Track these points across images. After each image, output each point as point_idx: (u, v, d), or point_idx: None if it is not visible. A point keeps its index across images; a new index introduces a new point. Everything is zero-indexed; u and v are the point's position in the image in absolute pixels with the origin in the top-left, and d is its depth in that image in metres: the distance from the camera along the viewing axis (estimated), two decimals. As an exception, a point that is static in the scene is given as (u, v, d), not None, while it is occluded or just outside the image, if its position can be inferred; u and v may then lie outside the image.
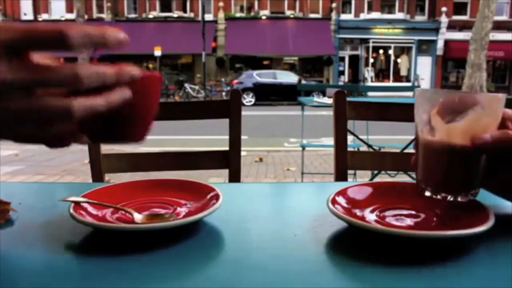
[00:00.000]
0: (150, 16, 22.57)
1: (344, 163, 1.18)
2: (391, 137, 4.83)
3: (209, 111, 1.23)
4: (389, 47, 22.91)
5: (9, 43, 0.35)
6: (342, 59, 22.81)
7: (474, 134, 0.48)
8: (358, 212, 0.54)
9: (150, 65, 21.73)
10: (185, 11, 22.51)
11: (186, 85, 18.03)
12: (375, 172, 3.33)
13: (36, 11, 22.77)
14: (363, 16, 22.18)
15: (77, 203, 0.54)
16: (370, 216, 0.53)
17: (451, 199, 0.50)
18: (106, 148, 1.16)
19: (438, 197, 0.51)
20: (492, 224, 0.46)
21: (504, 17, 21.65)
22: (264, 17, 22.15)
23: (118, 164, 1.18)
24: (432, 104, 0.50)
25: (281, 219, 0.59)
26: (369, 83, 21.86)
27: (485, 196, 0.53)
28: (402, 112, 1.14)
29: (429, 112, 0.50)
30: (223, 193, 0.57)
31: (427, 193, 0.52)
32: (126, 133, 0.46)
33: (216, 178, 3.59)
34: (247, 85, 16.69)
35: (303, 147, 3.71)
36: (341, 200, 0.56)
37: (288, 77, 17.31)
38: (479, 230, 0.45)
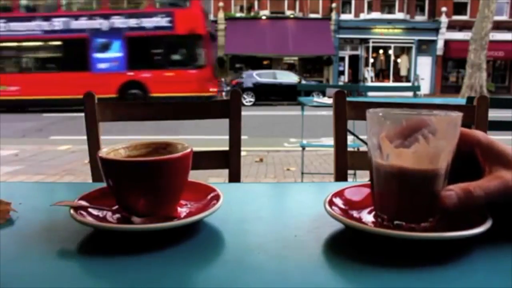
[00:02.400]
0: (150, 16, 22.50)
1: (344, 163, 1.18)
2: (391, 137, 4.81)
3: (209, 111, 1.23)
4: (389, 47, 22.92)
5: None
6: (342, 59, 22.82)
7: (444, 194, 0.47)
8: (355, 213, 0.53)
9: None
10: (185, 11, 22.45)
11: (186, 85, 17.99)
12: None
13: (36, 11, 22.70)
14: (363, 16, 22.19)
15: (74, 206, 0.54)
16: (368, 218, 0.53)
17: (409, 227, 0.48)
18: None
19: (396, 224, 0.49)
20: (490, 225, 0.46)
21: (504, 17, 21.65)
22: (264, 17, 22.15)
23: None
24: (381, 127, 0.48)
25: (281, 220, 0.59)
26: (369, 83, 21.85)
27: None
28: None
29: (378, 135, 0.48)
30: (223, 193, 0.57)
31: (385, 223, 0.49)
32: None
33: (216, 178, 3.59)
34: (247, 85, 16.69)
35: (303, 147, 3.71)
36: (338, 201, 0.55)
37: (288, 77, 17.31)
38: (476, 231, 0.45)
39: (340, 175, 1.19)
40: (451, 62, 22.95)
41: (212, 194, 0.59)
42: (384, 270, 0.42)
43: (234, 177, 1.21)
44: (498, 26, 18.79)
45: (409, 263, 0.43)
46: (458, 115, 0.47)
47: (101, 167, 0.53)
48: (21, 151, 5.77)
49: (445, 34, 21.90)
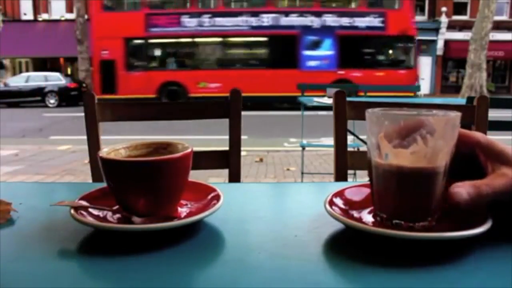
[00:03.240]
0: (150, 16, 22.51)
1: (344, 163, 1.18)
2: (391, 137, 4.81)
3: (209, 111, 1.23)
4: (390, 47, 22.88)
5: None
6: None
7: (451, 189, 0.47)
8: (355, 213, 0.53)
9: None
10: (185, 11, 22.45)
11: (186, 85, 17.99)
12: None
13: (36, 11, 22.77)
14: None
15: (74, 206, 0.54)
16: (368, 218, 0.53)
17: (408, 226, 0.48)
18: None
19: (395, 223, 0.49)
20: (490, 225, 0.46)
21: (504, 17, 21.64)
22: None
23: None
24: (379, 126, 0.48)
25: (281, 219, 0.59)
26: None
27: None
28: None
29: (377, 135, 0.48)
30: (223, 193, 0.57)
31: (385, 222, 0.50)
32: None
33: (216, 178, 3.59)
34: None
35: (303, 147, 3.71)
36: (338, 201, 0.55)
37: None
38: (476, 231, 0.45)
39: (340, 175, 1.19)
40: (451, 62, 22.94)
41: (212, 194, 0.59)
42: (384, 270, 0.42)
43: (234, 177, 1.21)
44: (498, 26, 18.80)
45: (409, 263, 0.43)
46: (456, 115, 0.47)
47: (102, 167, 0.53)
48: (21, 151, 5.77)
49: (445, 34, 21.88)
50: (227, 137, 1.20)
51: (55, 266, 0.44)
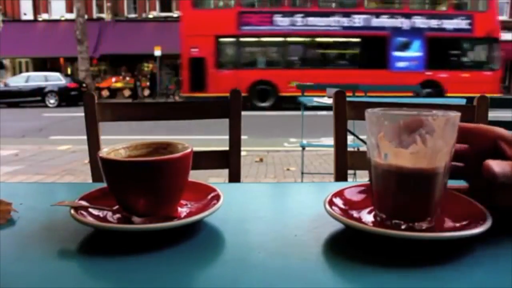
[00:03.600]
0: (150, 16, 22.57)
1: (344, 163, 1.19)
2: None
3: (209, 111, 1.23)
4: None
5: None
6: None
7: (486, 163, 0.48)
8: (355, 213, 0.53)
9: (150, 65, 21.74)
10: (185, 11, 22.47)
11: (187, 85, 17.99)
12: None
13: (36, 11, 22.77)
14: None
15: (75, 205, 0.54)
16: (368, 217, 0.53)
17: (407, 226, 0.48)
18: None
19: (394, 222, 0.49)
20: (490, 226, 0.46)
21: (504, 17, 21.59)
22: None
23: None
24: (379, 126, 0.48)
25: (281, 219, 0.59)
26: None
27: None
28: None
29: (377, 135, 0.48)
30: (223, 193, 0.57)
31: (384, 222, 0.50)
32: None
33: (216, 178, 3.59)
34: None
35: (303, 147, 3.71)
36: (338, 201, 0.55)
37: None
38: (476, 231, 0.45)
39: (340, 175, 1.19)
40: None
41: (212, 194, 0.59)
42: (384, 270, 0.42)
43: (234, 177, 1.21)
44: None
45: (409, 263, 0.43)
46: (456, 115, 0.47)
47: (102, 167, 0.53)
48: (21, 151, 5.77)
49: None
50: (227, 137, 1.20)
51: (55, 266, 0.44)
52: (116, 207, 0.56)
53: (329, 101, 3.36)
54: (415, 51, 14.14)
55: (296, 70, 13.96)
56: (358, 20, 14.10)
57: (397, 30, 14.03)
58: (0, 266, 0.43)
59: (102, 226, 0.50)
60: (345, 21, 14.14)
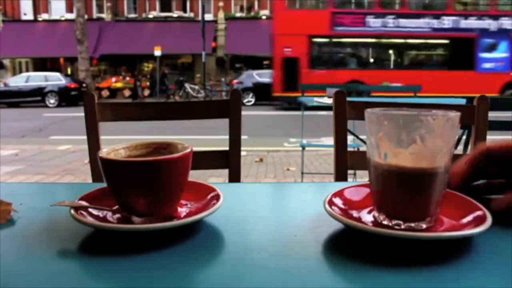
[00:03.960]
0: (150, 16, 22.58)
1: (344, 163, 1.19)
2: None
3: (209, 111, 1.23)
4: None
5: None
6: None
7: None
8: (355, 213, 0.53)
9: (150, 65, 21.74)
10: (185, 11, 22.53)
11: (186, 85, 18.03)
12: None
13: (36, 11, 22.78)
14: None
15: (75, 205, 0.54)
16: (367, 217, 0.53)
17: (407, 226, 0.48)
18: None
19: (393, 223, 0.49)
20: (490, 225, 0.46)
21: (504, 17, 21.60)
22: (264, 17, 22.14)
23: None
24: (379, 126, 0.48)
25: (281, 219, 0.59)
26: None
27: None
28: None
29: (376, 134, 0.48)
30: (223, 193, 0.57)
31: (384, 222, 0.50)
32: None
33: (216, 178, 3.59)
34: (247, 85, 16.69)
35: (303, 147, 3.71)
36: (338, 201, 0.55)
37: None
38: (476, 231, 0.45)
39: (340, 175, 1.19)
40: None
41: (212, 194, 0.59)
42: (384, 270, 0.42)
43: (234, 177, 1.21)
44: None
45: (409, 263, 0.43)
46: (455, 115, 0.47)
47: (101, 167, 0.53)
48: (21, 151, 5.77)
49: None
50: (227, 137, 1.20)
51: (56, 266, 0.44)
52: (116, 207, 0.56)
53: (329, 101, 3.36)
54: (502, 52, 14.31)
55: (386, 70, 14.15)
56: (447, 21, 14.26)
57: (485, 32, 14.19)
58: (0, 266, 0.43)
59: (102, 226, 0.50)
60: (434, 23, 14.31)
